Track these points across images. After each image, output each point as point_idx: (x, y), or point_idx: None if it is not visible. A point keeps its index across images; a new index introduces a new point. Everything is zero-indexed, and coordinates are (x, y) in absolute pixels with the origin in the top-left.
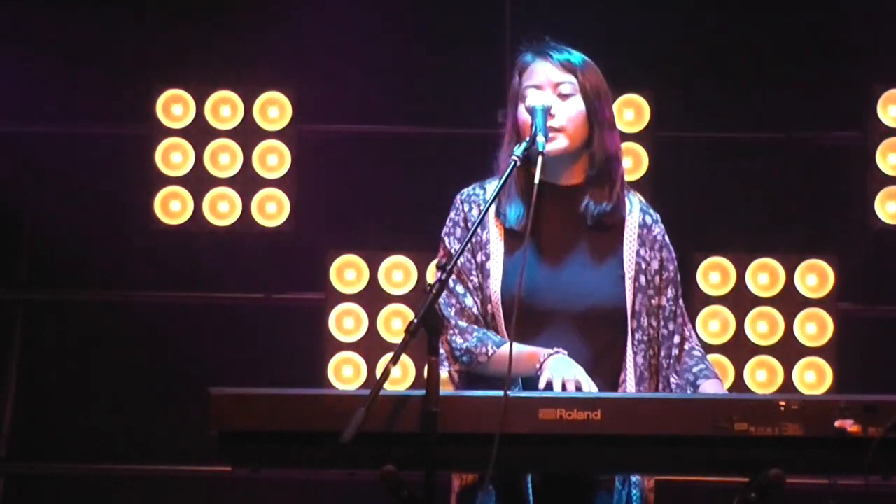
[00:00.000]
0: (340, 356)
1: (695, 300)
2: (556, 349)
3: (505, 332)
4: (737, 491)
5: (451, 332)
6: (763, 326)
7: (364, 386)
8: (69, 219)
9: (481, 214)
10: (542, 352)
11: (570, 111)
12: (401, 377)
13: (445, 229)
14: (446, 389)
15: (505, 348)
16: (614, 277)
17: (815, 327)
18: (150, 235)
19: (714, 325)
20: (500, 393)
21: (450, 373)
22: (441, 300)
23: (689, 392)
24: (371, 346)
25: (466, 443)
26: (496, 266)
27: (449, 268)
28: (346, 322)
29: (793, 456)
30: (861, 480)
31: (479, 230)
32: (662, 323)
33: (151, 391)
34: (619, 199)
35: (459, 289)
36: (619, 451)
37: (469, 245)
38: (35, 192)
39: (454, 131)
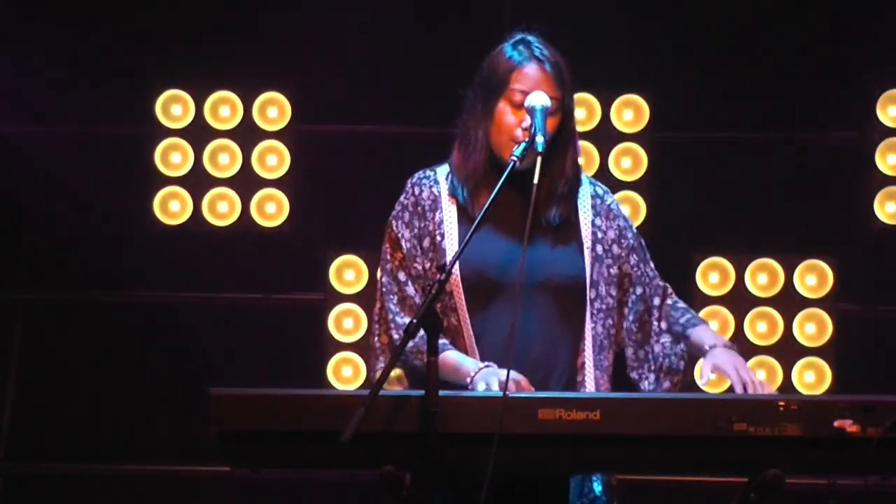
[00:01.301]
0: (340, 356)
1: (694, 300)
2: (486, 363)
3: (465, 309)
4: (736, 491)
5: (393, 329)
6: (762, 326)
7: (363, 386)
8: (69, 219)
9: (475, 223)
10: (472, 367)
11: (550, 127)
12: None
13: (394, 212)
14: (394, 388)
15: (442, 355)
16: (572, 248)
17: (814, 327)
18: (150, 235)
19: (713, 325)
20: (500, 393)
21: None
22: (384, 288)
23: (680, 346)
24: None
25: (466, 443)
26: (452, 244)
27: (448, 268)
28: (345, 322)
29: (792, 456)
30: (860, 480)
31: (427, 216)
32: (631, 290)
33: (151, 391)
34: (575, 198)
35: (402, 276)
36: (618, 451)
37: (416, 231)
38: (35, 193)
39: (454, 131)
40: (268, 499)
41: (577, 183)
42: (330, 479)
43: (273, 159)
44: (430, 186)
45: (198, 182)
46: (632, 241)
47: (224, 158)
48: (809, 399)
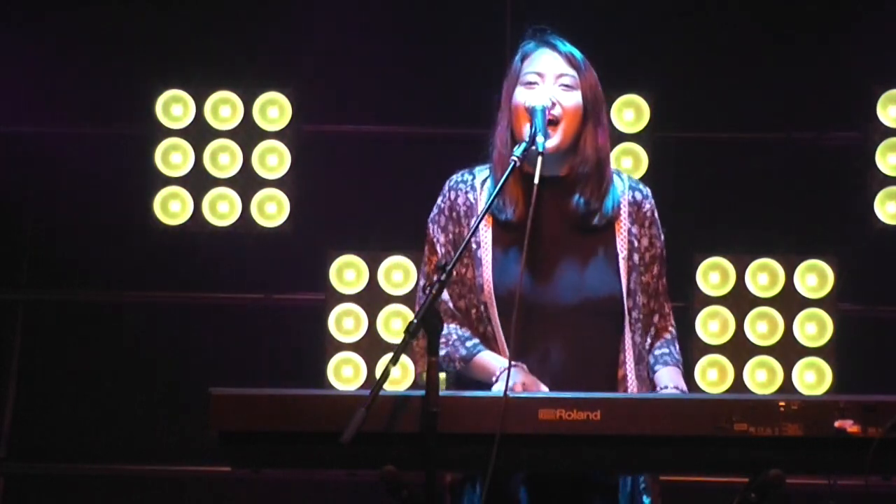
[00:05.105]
0: (340, 356)
1: (695, 300)
2: (514, 363)
3: (498, 324)
4: (737, 491)
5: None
6: (763, 327)
7: (364, 386)
8: (69, 219)
9: (475, 222)
10: (499, 366)
11: (569, 103)
12: (400, 377)
13: (431, 215)
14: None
15: (475, 358)
16: (606, 264)
17: (814, 327)
18: (150, 235)
19: (714, 325)
20: (500, 393)
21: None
22: (419, 292)
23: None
24: (371, 346)
25: (466, 443)
26: (486, 255)
27: (449, 268)
28: (345, 322)
29: (792, 456)
30: (861, 480)
31: (462, 221)
32: (645, 299)
33: (151, 391)
34: (607, 197)
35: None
36: (618, 451)
37: (450, 237)
38: (35, 192)
39: (454, 131)
40: (268, 499)
41: (600, 170)
42: (330, 479)
43: (273, 159)
44: (467, 192)
45: (198, 182)
46: (658, 251)
47: (224, 158)
48: (810, 399)
